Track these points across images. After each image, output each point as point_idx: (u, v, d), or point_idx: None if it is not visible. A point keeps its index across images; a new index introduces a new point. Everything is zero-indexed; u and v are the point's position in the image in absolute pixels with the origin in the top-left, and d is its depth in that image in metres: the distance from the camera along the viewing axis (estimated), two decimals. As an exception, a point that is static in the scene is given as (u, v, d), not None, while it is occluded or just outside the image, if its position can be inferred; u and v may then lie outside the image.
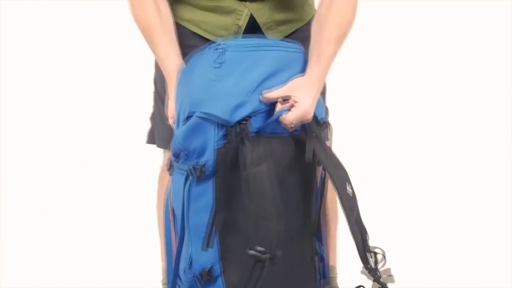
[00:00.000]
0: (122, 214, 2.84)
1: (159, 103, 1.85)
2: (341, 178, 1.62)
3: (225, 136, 1.56)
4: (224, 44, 1.60)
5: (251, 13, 1.70)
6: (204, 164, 1.57)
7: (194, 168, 1.57)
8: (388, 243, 1.61)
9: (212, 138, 1.57)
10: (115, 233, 2.70)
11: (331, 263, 1.91)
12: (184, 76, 1.62)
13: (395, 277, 1.58)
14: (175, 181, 1.63)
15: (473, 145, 3.24)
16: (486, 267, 2.40)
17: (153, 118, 1.91)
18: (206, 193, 1.58)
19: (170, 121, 1.67)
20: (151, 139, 1.93)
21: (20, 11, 3.35)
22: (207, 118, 1.56)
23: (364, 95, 3.26)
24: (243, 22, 1.70)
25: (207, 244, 1.59)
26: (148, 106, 1.93)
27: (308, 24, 1.75)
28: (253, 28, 1.71)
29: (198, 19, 1.72)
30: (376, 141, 3.16)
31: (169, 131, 1.73)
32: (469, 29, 3.38)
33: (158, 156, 1.93)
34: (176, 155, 1.62)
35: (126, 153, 3.17)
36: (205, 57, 1.59)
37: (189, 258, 1.60)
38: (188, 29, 1.74)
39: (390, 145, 3.21)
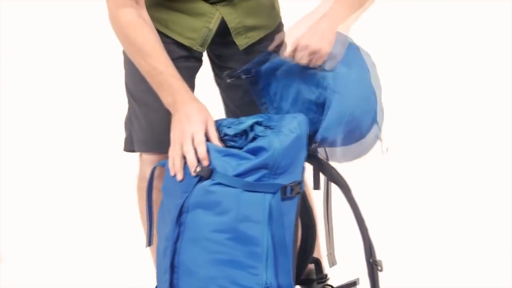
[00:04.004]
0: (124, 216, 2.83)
1: (134, 105, 1.75)
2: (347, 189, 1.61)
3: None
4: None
5: (222, 17, 1.68)
6: (300, 183, 1.50)
7: (292, 186, 1.48)
8: (387, 243, 1.60)
9: (303, 157, 1.52)
10: (116, 234, 2.71)
11: None
12: None
13: (396, 278, 1.58)
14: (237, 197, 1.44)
15: (473, 145, 3.24)
16: (486, 267, 2.40)
17: (130, 122, 1.78)
18: (290, 212, 1.51)
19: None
20: (129, 146, 1.80)
21: (22, 13, 3.37)
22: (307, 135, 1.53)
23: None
24: (214, 25, 1.68)
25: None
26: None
27: (274, 32, 1.74)
28: (223, 32, 1.69)
29: (166, 18, 1.67)
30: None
31: (148, 133, 1.68)
32: (469, 29, 3.39)
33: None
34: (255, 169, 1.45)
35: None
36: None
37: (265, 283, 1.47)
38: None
39: (389, 145, 3.21)
